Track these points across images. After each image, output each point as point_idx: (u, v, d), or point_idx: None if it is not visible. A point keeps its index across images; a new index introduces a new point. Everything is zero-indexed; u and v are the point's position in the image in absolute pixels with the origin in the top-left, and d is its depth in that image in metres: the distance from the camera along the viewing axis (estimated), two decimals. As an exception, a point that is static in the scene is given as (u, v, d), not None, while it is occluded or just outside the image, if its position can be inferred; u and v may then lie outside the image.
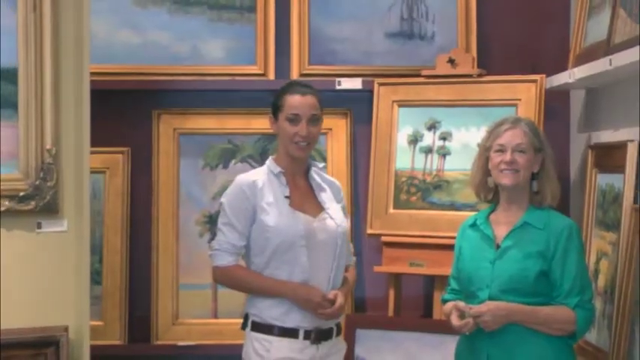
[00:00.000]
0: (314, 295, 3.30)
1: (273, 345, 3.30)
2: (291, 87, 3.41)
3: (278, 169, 3.39)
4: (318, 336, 3.33)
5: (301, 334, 3.32)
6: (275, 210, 3.33)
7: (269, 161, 3.43)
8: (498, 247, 3.18)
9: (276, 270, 3.33)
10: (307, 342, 3.32)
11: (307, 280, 3.32)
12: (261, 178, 3.36)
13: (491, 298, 3.11)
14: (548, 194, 3.18)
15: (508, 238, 3.16)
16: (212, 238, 4.22)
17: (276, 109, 3.38)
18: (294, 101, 3.35)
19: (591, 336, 3.53)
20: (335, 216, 3.42)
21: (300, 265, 3.33)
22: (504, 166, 3.16)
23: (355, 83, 4.25)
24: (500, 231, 3.20)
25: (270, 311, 3.32)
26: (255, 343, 3.31)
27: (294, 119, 3.34)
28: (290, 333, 3.32)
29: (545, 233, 3.11)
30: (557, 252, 3.08)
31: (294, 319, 3.32)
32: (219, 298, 4.25)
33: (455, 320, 3.15)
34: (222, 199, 3.39)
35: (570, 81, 3.70)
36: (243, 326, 3.40)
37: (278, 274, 3.33)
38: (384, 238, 4.11)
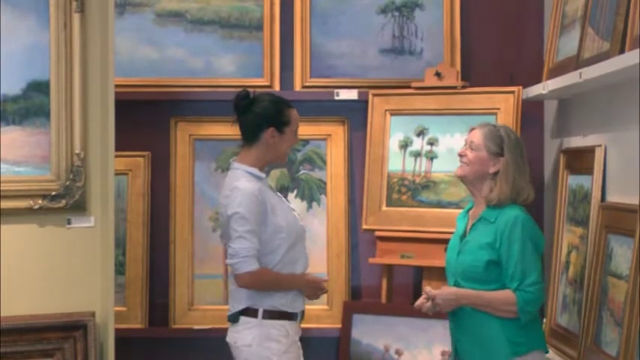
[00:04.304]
0: (318, 280, 3.42)
1: (289, 329, 3.31)
2: (286, 102, 3.41)
3: (262, 175, 3.36)
4: (303, 316, 3.42)
5: (298, 316, 3.37)
6: (279, 210, 3.32)
7: (249, 168, 3.33)
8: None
9: (289, 264, 3.33)
10: (298, 322, 3.39)
11: (306, 269, 3.37)
12: (257, 185, 3.30)
13: (456, 285, 3.18)
14: (495, 195, 3.17)
15: (470, 232, 3.22)
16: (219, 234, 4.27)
17: (282, 124, 3.34)
18: (297, 115, 3.40)
19: (563, 320, 3.53)
20: (293, 207, 3.49)
21: (303, 256, 3.36)
22: (459, 159, 3.25)
23: (352, 94, 4.25)
24: (470, 225, 3.25)
25: (281, 300, 3.31)
26: (272, 330, 3.28)
27: (297, 130, 3.39)
28: (294, 316, 3.35)
29: (495, 226, 3.14)
30: (503, 241, 3.10)
31: (297, 304, 3.36)
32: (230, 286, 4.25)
33: (418, 301, 3.23)
34: (238, 209, 3.23)
35: (544, 92, 3.69)
36: (234, 318, 3.34)
37: (295, 269, 3.35)
38: (377, 233, 4.12)
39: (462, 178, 3.26)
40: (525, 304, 3.06)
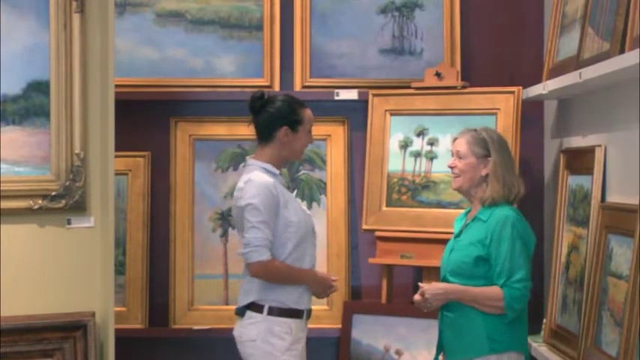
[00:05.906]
0: (327, 277, 3.46)
1: (293, 326, 3.33)
2: (300, 102, 3.46)
3: (276, 171, 3.40)
4: (309, 314, 3.44)
5: (305, 314, 3.38)
6: (291, 207, 3.36)
7: (263, 164, 3.39)
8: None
9: (297, 261, 3.36)
10: (304, 320, 3.40)
11: (313, 266, 3.40)
12: (271, 180, 3.35)
13: (444, 280, 3.26)
14: (489, 195, 3.25)
15: (464, 231, 3.29)
16: (224, 233, 4.27)
17: (295, 123, 3.39)
18: (311, 115, 3.44)
19: (563, 320, 3.53)
20: (306, 208, 3.52)
21: (309, 254, 3.39)
22: (450, 171, 3.34)
23: (352, 94, 4.25)
24: (465, 225, 3.31)
25: (288, 297, 3.34)
26: (276, 327, 3.32)
27: (311, 129, 3.43)
28: (299, 314, 3.37)
29: (487, 224, 3.20)
30: (492, 239, 3.17)
31: (304, 301, 3.38)
32: (230, 286, 4.25)
33: (415, 296, 3.30)
34: (252, 201, 3.29)
35: (544, 92, 3.70)
36: (240, 312, 3.38)
37: (300, 264, 3.37)
38: (377, 233, 4.11)
39: (459, 190, 3.35)
40: (512, 300, 3.12)
